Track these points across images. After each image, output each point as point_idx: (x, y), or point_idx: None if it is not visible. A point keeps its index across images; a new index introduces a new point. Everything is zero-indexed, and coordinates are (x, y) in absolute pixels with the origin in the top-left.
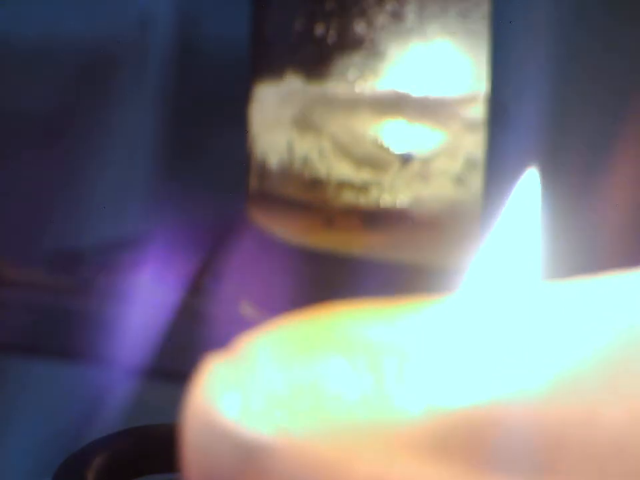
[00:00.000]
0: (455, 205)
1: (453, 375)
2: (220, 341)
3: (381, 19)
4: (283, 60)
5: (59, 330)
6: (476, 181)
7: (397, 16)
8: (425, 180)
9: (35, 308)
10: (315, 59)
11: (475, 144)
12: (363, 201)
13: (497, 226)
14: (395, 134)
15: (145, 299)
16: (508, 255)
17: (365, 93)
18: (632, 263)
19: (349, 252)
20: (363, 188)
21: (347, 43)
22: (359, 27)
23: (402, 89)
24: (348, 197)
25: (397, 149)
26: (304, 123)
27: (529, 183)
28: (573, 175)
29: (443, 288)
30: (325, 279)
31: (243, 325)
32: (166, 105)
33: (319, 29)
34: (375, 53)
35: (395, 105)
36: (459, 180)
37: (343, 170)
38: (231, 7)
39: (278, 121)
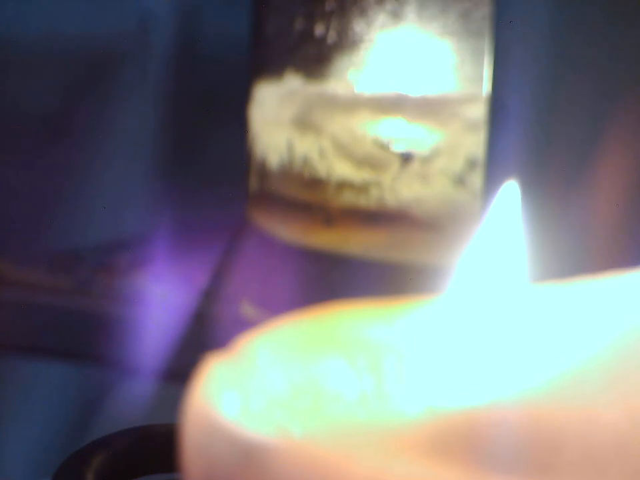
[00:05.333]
0: (454, 205)
1: (452, 376)
2: (220, 340)
3: (381, 18)
4: (283, 60)
5: (58, 330)
6: (476, 181)
7: (397, 16)
8: (425, 180)
9: (35, 308)
10: (315, 58)
11: (475, 144)
12: (363, 200)
13: (488, 227)
14: (394, 134)
15: (145, 299)
16: (502, 257)
17: (365, 93)
18: (623, 264)
19: (349, 252)
20: (363, 188)
21: (347, 43)
22: (359, 27)
23: (402, 89)
24: (348, 197)
25: (397, 148)
26: (304, 123)
27: (518, 186)
28: (573, 175)
29: (442, 288)
30: (325, 278)
31: (244, 325)
32: (166, 105)
33: (319, 29)
34: (375, 53)
35: (394, 104)
36: (459, 180)
37: (342, 170)
38: (231, 6)
39: (278, 121)
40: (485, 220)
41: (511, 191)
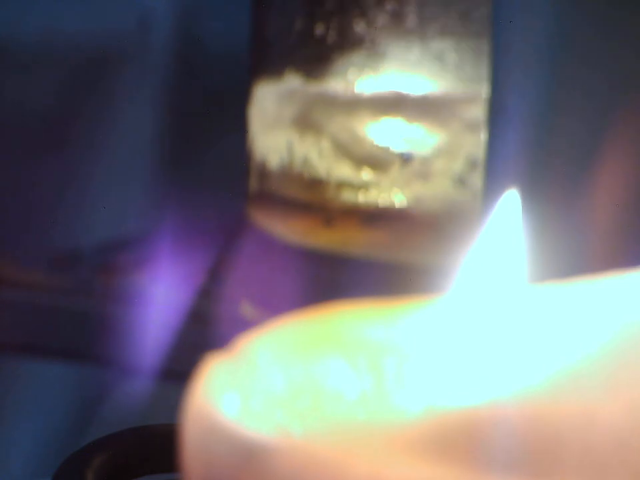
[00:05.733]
0: (455, 204)
1: (452, 375)
2: (220, 340)
3: (381, 19)
4: (283, 60)
5: (58, 330)
6: (476, 181)
7: (397, 16)
8: (425, 180)
9: (35, 308)
10: (315, 58)
11: (475, 144)
12: (363, 201)
13: (489, 227)
14: (395, 134)
15: (145, 299)
16: (502, 257)
17: (365, 93)
18: (623, 264)
19: (349, 252)
20: (362, 188)
21: (347, 43)
22: (359, 27)
23: (402, 89)
24: (348, 197)
25: (397, 148)
26: (304, 123)
27: (518, 186)
28: (573, 175)
29: (442, 288)
30: (325, 278)
31: (244, 325)
32: (166, 105)
33: (319, 29)
34: (375, 53)
35: (394, 104)
36: (459, 180)
37: (342, 170)
38: (231, 6)
39: (278, 121)
40: (486, 220)
41: (511, 190)
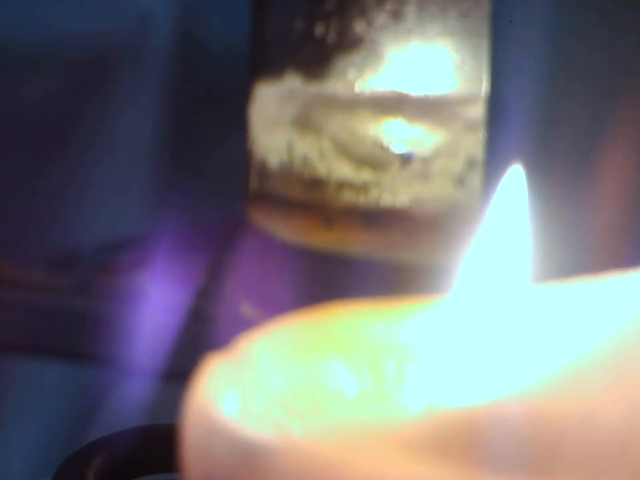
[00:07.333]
0: (455, 204)
1: (453, 375)
2: (221, 341)
3: (381, 19)
4: (283, 60)
5: (58, 330)
6: (476, 181)
7: (397, 16)
8: (425, 180)
9: (35, 308)
10: (315, 59)
11: (475, 144)
12: (363, 200)
13: (490, 226)
14: (394, 134)
15: (145, 299)
16: (502, 257)
17: (365, 93)
18: (623, 264)
19: (349, 252)
20: (363, 188)
21: (347, 43)
22: (359, 27)
23: (402, 89)
24: (348, 197)
25: (397, 149)
26: (304, 123)
27: (520, 182)
28: (573, 174)
29: (442, 288)
30: (325, 278)
31: (244, 325)
32: (166, 105)
33: (319, 29)
34: (375, 53)
35: (395, 104)
36: (459, 180)
37: (342, 170)
38: (231, 6)
39: (278, 121)
40: (487, 219)
41: (511, 189)
